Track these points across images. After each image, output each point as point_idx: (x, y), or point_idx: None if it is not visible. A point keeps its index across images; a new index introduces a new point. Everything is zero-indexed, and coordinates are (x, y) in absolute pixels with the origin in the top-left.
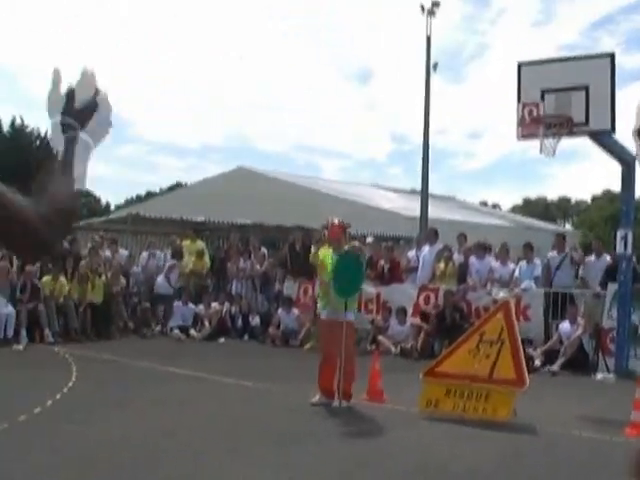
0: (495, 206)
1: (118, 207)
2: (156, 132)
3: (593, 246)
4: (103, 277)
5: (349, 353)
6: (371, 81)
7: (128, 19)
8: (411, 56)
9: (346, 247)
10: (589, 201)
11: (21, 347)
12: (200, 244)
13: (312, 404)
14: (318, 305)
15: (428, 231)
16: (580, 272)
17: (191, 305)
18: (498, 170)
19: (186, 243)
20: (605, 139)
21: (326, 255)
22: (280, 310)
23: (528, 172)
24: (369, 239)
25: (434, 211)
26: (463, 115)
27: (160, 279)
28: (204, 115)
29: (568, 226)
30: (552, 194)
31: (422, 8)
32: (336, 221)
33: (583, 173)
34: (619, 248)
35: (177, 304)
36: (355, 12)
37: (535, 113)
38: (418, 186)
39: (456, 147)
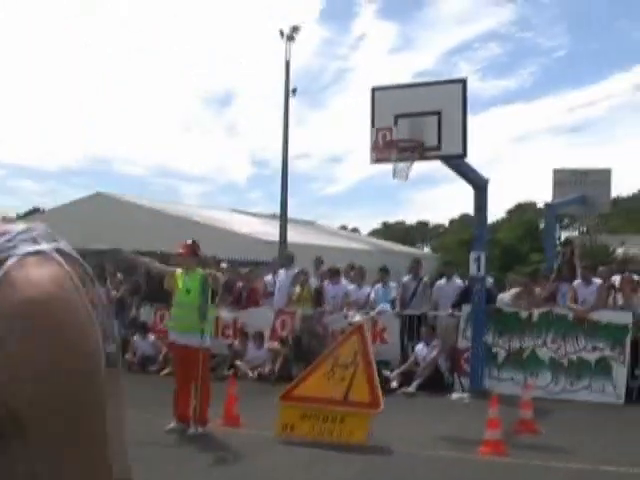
0: (355, 230)
1: None
2: (13, 154)
3: (444, 270)
4: None
5: (204, 378)
6: (231, 105)
7: None
8: (271, 81)
9: (200, 270)
10: (447, 225)
11: None
12: None
13: (167, 431)
14: (170, 333)
15: (284, 255)
16: (432, 295)
17: None
18: (358, 194)
19: None
20: (457, 163)
21: (179, 277)
22: (136, 336)
23: (388, 196)
24: (223, 264)
25: (293, 235)
26: (324, 140)
27: None
28: (63, 137)
29: (427, 249)
30: (411, 218)
31: (281, 33)
32: (188, 241)
33: (441, 197)
34: (472, 270)
35: None
36: (215, 35)
37: (388, 137)
38: (278, 210)
39: (317, 171)
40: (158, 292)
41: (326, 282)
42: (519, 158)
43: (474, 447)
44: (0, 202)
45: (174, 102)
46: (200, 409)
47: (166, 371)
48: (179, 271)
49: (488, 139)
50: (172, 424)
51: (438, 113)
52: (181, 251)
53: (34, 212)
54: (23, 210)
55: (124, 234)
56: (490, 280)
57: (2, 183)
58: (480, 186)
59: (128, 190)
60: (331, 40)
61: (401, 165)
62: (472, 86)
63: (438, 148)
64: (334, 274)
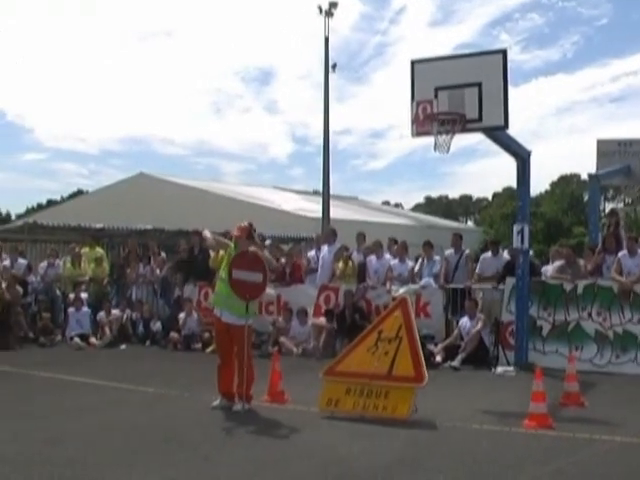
0: (397, 205)
1: (19, 216)
2: (56, 138)
3: (489, 243)
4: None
5: (248, 355)
6: (271, 83)
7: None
8: (311, 57)
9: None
10: (490, 198)
11: None
12: (99, 251)
13: (212, 408)
14: (215, 308)
15: (326, 231)
16: (477, 268)
17: (85, 309)
18: (400, 169)
19: (85, 250)
20: (499, 135)
21: (227, 256)
22: (181, 314)
23: (430, 171)
24: (267, 242)
25: (336, 211)
26: (365, 115)
27: None
28: (102, 119)
29: (470, 223)
30: (454, 192)
31: (320, 9)
32: (244, 223)
33: (485, 171)
34: (516, 242)
35: (71, 310)
36: (253, 13)
37: (429, 110)
38: (320, 187)
39: (358, 147)
40: (202, 270)
41: (369, 257)
42: (562, 130)
43: (519, 420)
44: (43, 185)
45: (214, 81)
46: (245, 386)
47: (211, 348)
48: (232, 246)
49: (530, 111)
50: (217, 401)
51: (479, 85)
52: (237, 233)
53: (78, 194)
54: (67, 193)
55: (167, 214)
56: (531, 253)
57: (45, 167)
58: (522, 158)
59: (169, 170)
60: (370, 14)
61: (442, 138)
62: (513, 58)
63: (479, 120)
64: (377, 249)
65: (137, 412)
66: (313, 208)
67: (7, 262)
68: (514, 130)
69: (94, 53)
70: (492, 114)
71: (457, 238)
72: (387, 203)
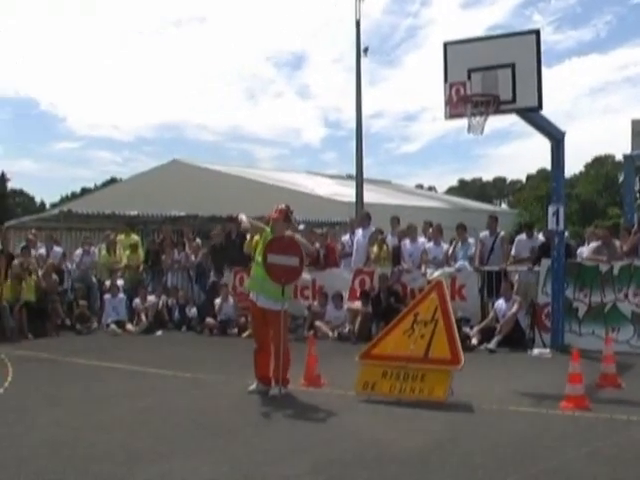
0: (431, 188)
1: (54, 205)
2: (89, 126)
3: (523, 225)
4: (35, 275)
5: (284, 340)
6: (303, 67)
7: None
8: (342, 41)
9: (287, 232)
10: (524, 180)
11: None
12: (134, 238)
13: (249, 392)
14: (251, 292)
15: (360, 215)
16: (512, 251)
17: (121, 296)
18: (434, 152)
19: (120, 237)
20: (533, 116)
21: (262, 240)
22: (216, 300)
23: (463, 153)
24: (301, 226)
25: (370, 196)
26: (397, 98)
27: None
28: (134, 106)
29: (504, 206)
30: (488, 175)
31: None
32: (281, 206)
33: (518, 152)
34: (551, 224)
35: (107, 297)
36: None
37: (462, 92)
38: (354, 171)
39: (391, 130)
40: (238, 255)
41: (404, 240)
42: (596, 110)
43: (556, 402)
44: (77, 173)
45: (245, 66)
46: (281, 370)
47: (247, 333)
48: (267, 230)
49: (564, 92)
50: (254, 385)
51: (512, 66)
52: (274, 215)
53: (112, 182)
54: (101, 181)
55: (201, 200)
56: (566, 234)
57: (78, 155)
58: (557, 139)
59: (202, 156)
60: None
61: (476, 119)
62: (546, 38)
63: (513, 101)
64: (412, 232)
65: (175, 397)
66: (346, 192)
67: (43, 250)
68: (548, 111)
69: (128, 39)
70: (526, 95)
71: (492, 220)
72: (420, 186)
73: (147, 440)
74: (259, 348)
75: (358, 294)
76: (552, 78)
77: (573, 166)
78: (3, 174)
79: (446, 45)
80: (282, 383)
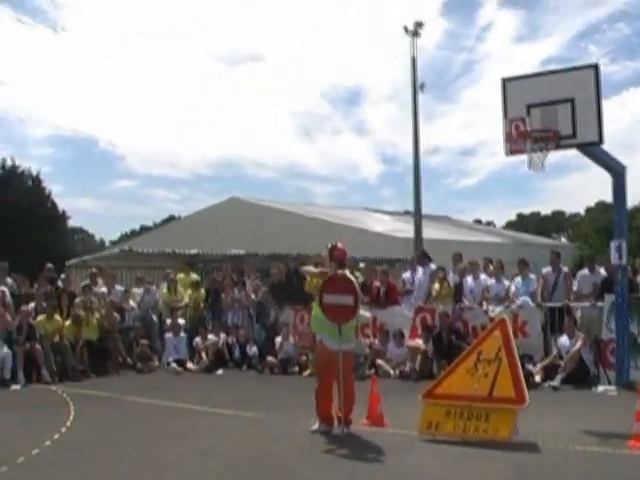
0: (489, 223)
1: (113, 243)
2: (147, 164)
3: (585, 260)
4: (97, 314)
5: (347, 380)
6: (359, 104)
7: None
8: (398, 77)
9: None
10: (583, 213)
11: (19, 387)
12: (194, 276)
13: (312, 432)
14: (314, 331)
15: (418, 253)
16: (575, 286)
17: (182, 334)
18: (491, 187)
19: (180, 276)
20: (594, 151)
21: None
22: (278, 338)
23: (521, 187)
24: (361, 264)
25: (428, 231)
26: (454, 133)
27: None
28: (193, 145)
29: (563, 239)
30: (546, 208)
31: (405, 29)
32: (339, 244)
33: (576, 185)
34: (614, 259)
35: (168, 336)
36: (339, 36)
37: (522, 128)
38: (411, 207)
39: (448, 165)
40: (298, 294)
41: (465, 277)
42: None
43: (624, 441)
44: (135, 212)
45: (301, 103)
46: (344, 409)
47: (308, 372)
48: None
49: (622, 123)
50: (316, 425)
51: (571, 100)
52: (324, 254)
53: (170, 220)
54: (159, 218)
55: (260, 237)
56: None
57: (137, 193)
58: (618, 172)
59: (260, 193)
60: (456, 32)
61: (536, 155)
62: (602, 69)
63: (573, 136)
64: (474, 268)
65: (237, 437)
66: (405, 229)
67: (104, 289)
68: (606, 143)
69: (184, 78)
70: (586, 129)
71: (555, 256)
72: (479, 221)
73: (211, 479)
74: (322, 387)
75: (419, 332)
76: (610, 109)
77: (633, 197)
78: (64, 212)
79: (504, 81)
80: (345, 423)
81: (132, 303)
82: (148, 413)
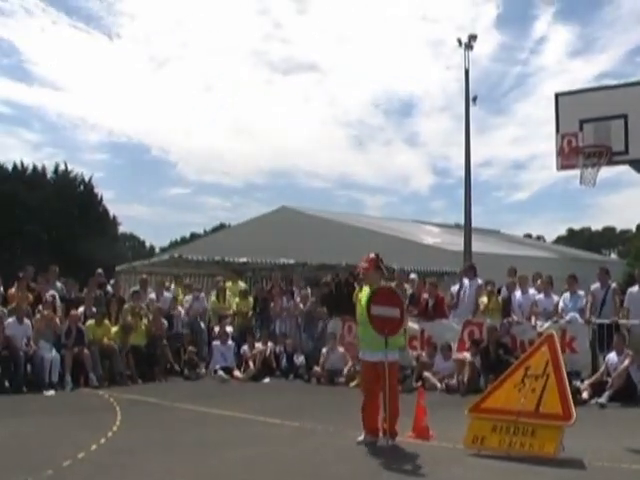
0: (539, 238)
1: (163, 249)
2: (199, 172)
3: (636, 276)
4: (146, 320)
5: (393, 392)
6: (411, 115)
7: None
8: (451, 88)
9: (383, 283)
10: (634, 230)
11: (66, 391)
12: (242, 285)
13: (358, 443)
14: (358, 346)
15: (465, 266)
16: (625, 302)
17: (230, 342)
18: (542, 201)
19: (229, 284)
20: None
21: (364, 293)
22: (325, 348)
23: (572, 202)
24: (412, 275)
25: (478, 245)
26: (506, 146)
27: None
28: (246, 153)
29: (613, 255)
30: (597, 224)
31: (459, 42)
32: (371, 255)
33: (628, 201)
34: None
35: (216, 344)
36: (393, 47)
37: (574, 143)
38: (462, 219)
39: (500, 179)
40: (347, 304)
41: (514, 291)
42: None
43: None
44: (186, 219)
45: (353, 113)
46: (390, 422)
47: (354, 383)
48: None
49: None
50: (362, 436)
51: (625, 116)
52: (364, 265)
53: (220, 228)
54: (210, 226)
55: (310, 247)
56: None
57: (189, 200)
58: None
59: (312, 203)
60: (510, 45)
61: (588, 171)
62: None
63: (626, 152)
64: (523, 283)
65: (282, 446)
66: (455, 241)
67: (153, 295)
68: None
69: (239, 87)
70: (639, 146)
71: (603, 272)
72: (529, 236)
73: None
74: (368, 399)
75: (467, 345)
76: None
77: None
78: (114, 218)
79: (558, 96)
80: (390, 435)
81: (180, 310)
82: (195, 420)
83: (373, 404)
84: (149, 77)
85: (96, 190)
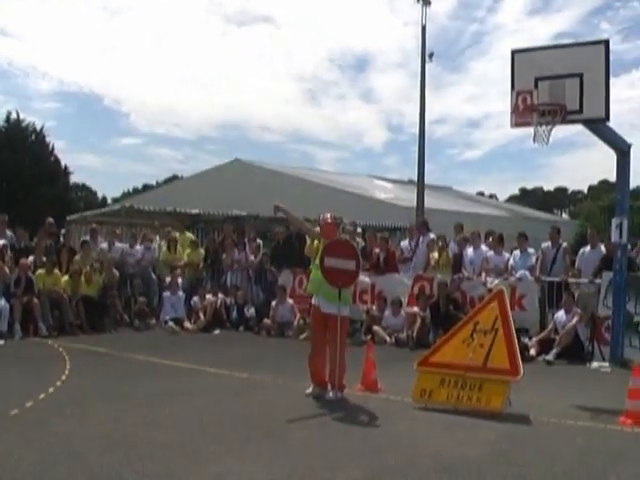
0: (492, 196)
1: (115, 200)
2: (152, 123)
3: (588, 237)
4: (96, 270)
5: (342, 346)
6: (366, 71)
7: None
8: (408, 45)
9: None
10: (585, 191)
11: (15, 340)
12: (192, 236)
13: (306, 395)
14: (310, 291)
15: (418, 222)
16: (576, 262)
17: (180, 293)
18: (496, 160)
19: (179, 235)
20: (599, 127)
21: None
22: (274, 301)
23: (525, 162)
24: (359, 229)
25: (431, 201)
26: (461, 104)
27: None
28: (199, 105)
29: (565, 216)
30: (549, 184)
31: None
32: (328, 216)
33: (580, 163)
34: (614, 237)
35: (166, 295)
36: (348, 1)
37: (529, 101)
38: (415, 176)
39: (454, 137)
40: (298, 257)
41: (467, 247)
42: None
43: (615, 417)
44: (139, 170)
45: (308, 67)
46: (338, 374)
47: (304, 335)
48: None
49: (631, 102)
50: (310, 388)
51: (580, 75)
52: (324, 228)
53: (173, 179)
54: (162, 178)
55: (262, 200)
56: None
57: (140, 151)
58: (622, 151)
59: (264, 156)
60: (468, 2)
61: (542, 129)
62: (614, 47)
63: (580, 111)
64: (475, 240)
65: (231, 398)
66: (408, 197)
67: (104, 245)
68: (613, 121)
69: (191, 38)
70: (593, 106)
71: (555, 231)
72: (482, 194)
73: (202, 440)
74: (315, 351)
75: (417, 300)
76: (619, 87)
77: (638, 178)
78: (66, 168)
79: (514, 53)
80: (338, 387)
81: (131, 260)
82: (144, 371)
83: (320, 356)
84: (102, 26)
85: (48, 139)
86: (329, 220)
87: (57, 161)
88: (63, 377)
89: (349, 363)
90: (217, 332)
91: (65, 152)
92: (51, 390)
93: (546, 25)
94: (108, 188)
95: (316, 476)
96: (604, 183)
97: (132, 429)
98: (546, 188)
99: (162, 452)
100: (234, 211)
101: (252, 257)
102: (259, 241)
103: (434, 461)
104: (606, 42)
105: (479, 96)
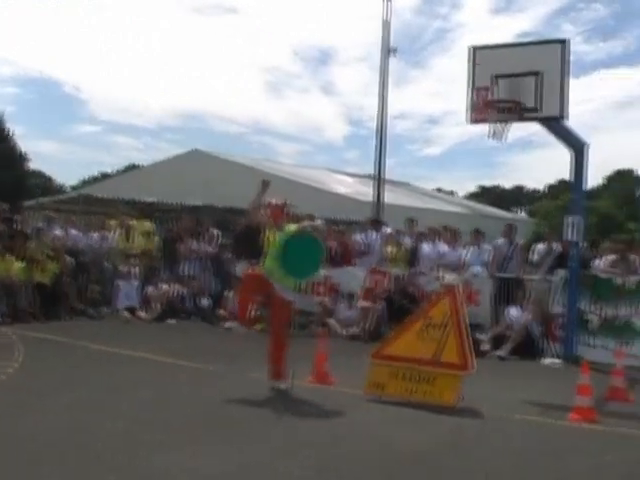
0: (451, 193)
1: (73, 188)
2: (111, 111)
3: (545, 235)
4: (50, 257)
5: (284, 329)
6: (328, 64)
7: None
8: (370, 40)
9: (305, 225)
10: (544, 190)
11: None
12: (148, 224)
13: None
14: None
15: (371, 219)
16: (530, 259)
17: (134, 282)
18: (455, 157)
19: (134, 223)
20: (555, 126)
21: (272, 234)
22: (230, 292)
23: (485, 160)
24: (318, 221)
25: (389, 196)
26: (422, 100)
27: None
28: (159, 94)
29: (523, 214)
30: (507, 182)
31: None
32: (273, 201)
33: (539, 162)
34: (566, 234)
35: (120, 283)
36: None
37: (486, 97)
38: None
39: (414, 132)
40: (254, 248)
41: (423, 242)
42: (621, 124)
43: (564, 413)
44: (97, 158)
45: (270, 60)
46: (279, 362)
47: (259, 327)
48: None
49: (591, 103)
50: (268, 380)
51: (538, 74)
52: (270, 212)
53: (131, 168)
54: (121, 166)
55: (219, 191)
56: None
57: (99, 139)
58: (578, 149)
59: (224, 147)
60: None
61: (499, 126)
62: (576, 49)
63: (537, 110)
64: (432, 235)
65: (185, 388)
66: (366, 192)
67: (59, 232)
68: (573, 122)
69: (154, 26)
70: (550, 104)
71: (509, 228)
72: (440, 190)
73: (154, 430)
74: (274, 340)
75: (371, 293)
76: (579, 89)
77: (595, 178)
78: (24, 154)
79: (473, 49)
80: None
81: (86, 248)
82: (97, 360)
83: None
84: (62, 13)
85: (7, 125)
86: (274, 202)
87: (15, 147)
88: (16, 365)
89: (302, 355)
90: (171, 322)
91: (23, 138)
92: (3, 378)
93: (509, 24)
94: (67, 175)
95: (267, 466)
96: (563, 182)
97: (84, 419)
98: (505, 186)
99: (113, 443)
100: (191, 201)
101: (208, 247)
102: (217, 231)
103: (385, 454)
104: (564, 41)
105: (440, 93)
